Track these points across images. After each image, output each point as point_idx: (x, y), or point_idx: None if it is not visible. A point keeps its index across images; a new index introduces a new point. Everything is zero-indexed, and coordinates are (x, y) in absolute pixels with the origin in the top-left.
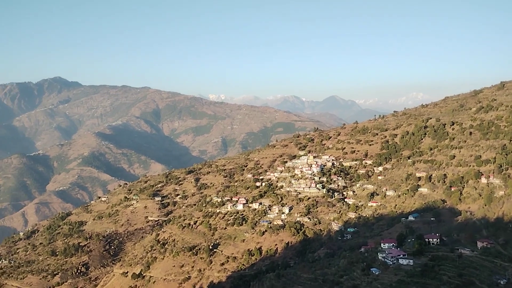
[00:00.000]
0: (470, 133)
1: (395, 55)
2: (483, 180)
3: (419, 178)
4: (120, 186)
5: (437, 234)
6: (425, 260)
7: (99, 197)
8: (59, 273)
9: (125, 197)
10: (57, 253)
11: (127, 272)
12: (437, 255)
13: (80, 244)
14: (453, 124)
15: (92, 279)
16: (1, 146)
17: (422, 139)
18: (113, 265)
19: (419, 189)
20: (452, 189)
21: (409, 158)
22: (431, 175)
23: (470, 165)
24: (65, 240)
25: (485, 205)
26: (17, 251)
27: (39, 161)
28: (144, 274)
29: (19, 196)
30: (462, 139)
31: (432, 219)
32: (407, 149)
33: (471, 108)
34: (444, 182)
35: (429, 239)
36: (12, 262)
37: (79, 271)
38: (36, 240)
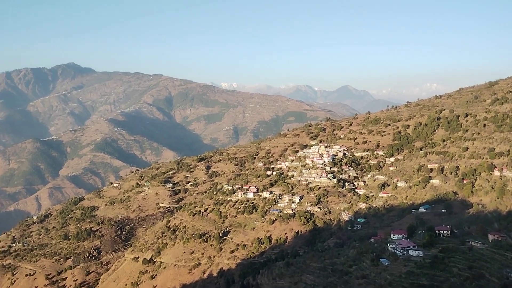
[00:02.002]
0: (484, 125)
1: (410, 45)
2: (496, 172)
3: (431, 169)
4: (132, 172)
5: (448, 226)
6: (435, 251)
7: (111, 183)
8: (72, 257)
9: (137, 184)
10: (69, 237)
11: (138, 257)
12: (448, 247)
13: (92, 228)
14: (467, 116)
15: (103, 263)
16: (16, 130)
17: (435, 131)
18: (125, 250)
19: (431, 180)
20: (464, 181)
21: (421, 150)
22: (443, 167)
23: (483, 158)
24: (78, 225)
25: (498, 198)
26: (31, 235)
27: (52, 146)
28: (155, 260)
29: (33, 180)
30: (476, 131)
31: (443, 211)
32: (420, 140)
33: (486, 100)
34: (457, 174)
35: (440, 231)
36: (25, 245)
37: (91, 255)
38: (49, 224)
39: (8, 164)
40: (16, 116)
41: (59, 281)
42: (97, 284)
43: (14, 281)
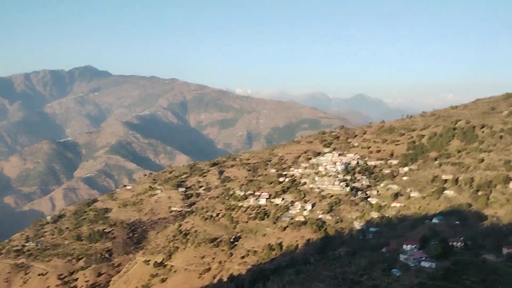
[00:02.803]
0: (501, 136)
1: (426, 54)
2: None
3: (445, 180)
4: (146, 175)
5: (462, 238)
6: (448, 263)
7: (125, 186)
8: (84, 258)
9: (150, 187)
10: (82, 238)
11: (149, 260)
12: (461, 259)
13: (105, 230)
14: (483, 127)
15: (115, 265)
16: (32, 131)
17: (450, 141)
18: (136, 253)
19: (445, 191)
20: (479, 193)
21: (435, 160)
22: (458, 178)
23: (499, 170)
24: (90, 226)
25: None
26: (44, 235)
27: (68, 148)
28: (166, 263)
29: (48, 181)
30: (492, 142)
31: (457, 222)
32: (434, 151)
33: (503, 111)
34: (471, 185)
35: (453, 243)
36: (39, 244)
37: (103, 256)
38: (63, 224)
39: (24, 164)
40: (33, 117)
41: (70, 281)
42: (108, 285)
43: (27, 280)
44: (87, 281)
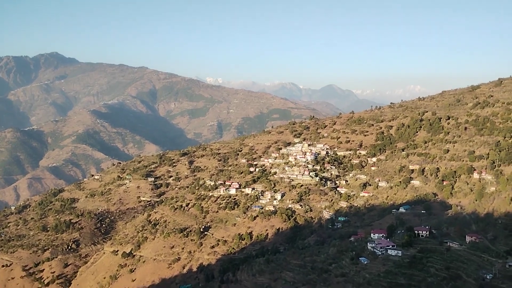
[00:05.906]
0: (465, 128)
1: (395, 46)
2: (475, 175)
3: (412, 170)
4: (114, 165)
5: (427, 227)
6: (413, 251)
7: (92, 175)
8: (50, 249)
9: (118, 176)
10: (48, 228)
11: (118, 250)
12: (426, 247)
13: (72, 221)
14: (448, 119)
15: (82, 256)
16: None
17: (417, 132)
18: (104, 243)
19: (412, 181)
20: (444, 183)
21: (403, 150)
22: (424, 168)
23: (463, 160)
24: (57, 216)
25: (476, 200)
26: (8, 225)
27: (33, 136)
28: (134, 254)
29: (12, 170)
30: (457, 133)
31: (422, 211)
32: (402, 141)
33: (468, 103)
34: (437, 175)
35: (419, 231)
36: (2, 235)
37: (69, 247)
38: (28, 215)
39: None
40: None
41: (36, 272)
42: (75, 276)
43: None
44: (53, 272)
